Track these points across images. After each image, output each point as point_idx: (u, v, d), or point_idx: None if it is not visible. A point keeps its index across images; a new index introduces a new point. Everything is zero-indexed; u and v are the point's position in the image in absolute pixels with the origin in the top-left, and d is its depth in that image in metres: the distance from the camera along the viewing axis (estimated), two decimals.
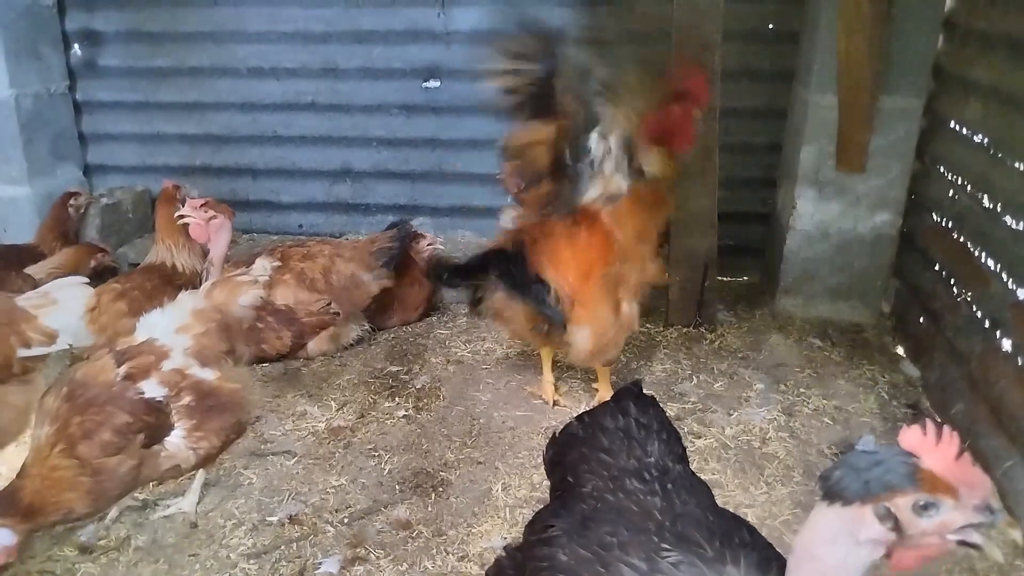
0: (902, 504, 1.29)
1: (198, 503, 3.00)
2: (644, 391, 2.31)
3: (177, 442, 2.63)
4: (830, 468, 1.38)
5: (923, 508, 1.29)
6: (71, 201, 4.81)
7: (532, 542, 1.86)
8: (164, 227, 4.04)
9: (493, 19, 4.99)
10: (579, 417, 2.28)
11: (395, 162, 5.42)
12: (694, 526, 1.72)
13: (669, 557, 1.62)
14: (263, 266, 3.15)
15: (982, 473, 1.32)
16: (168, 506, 3.00)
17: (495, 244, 3.56)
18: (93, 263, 4.45)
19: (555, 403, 3.72)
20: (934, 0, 3.99)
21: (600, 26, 4.93)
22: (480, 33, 5.03)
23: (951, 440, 1.30)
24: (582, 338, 3.36)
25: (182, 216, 3.77)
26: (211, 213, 3.72)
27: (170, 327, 2.74)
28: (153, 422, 2.56)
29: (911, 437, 1.32)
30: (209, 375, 2.72)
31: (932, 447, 1.30)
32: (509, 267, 3.38)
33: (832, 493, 1.34)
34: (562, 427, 2.30)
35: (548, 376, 3.75)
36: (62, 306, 2.95)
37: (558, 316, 3.34)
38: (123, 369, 2.57)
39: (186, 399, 2.64)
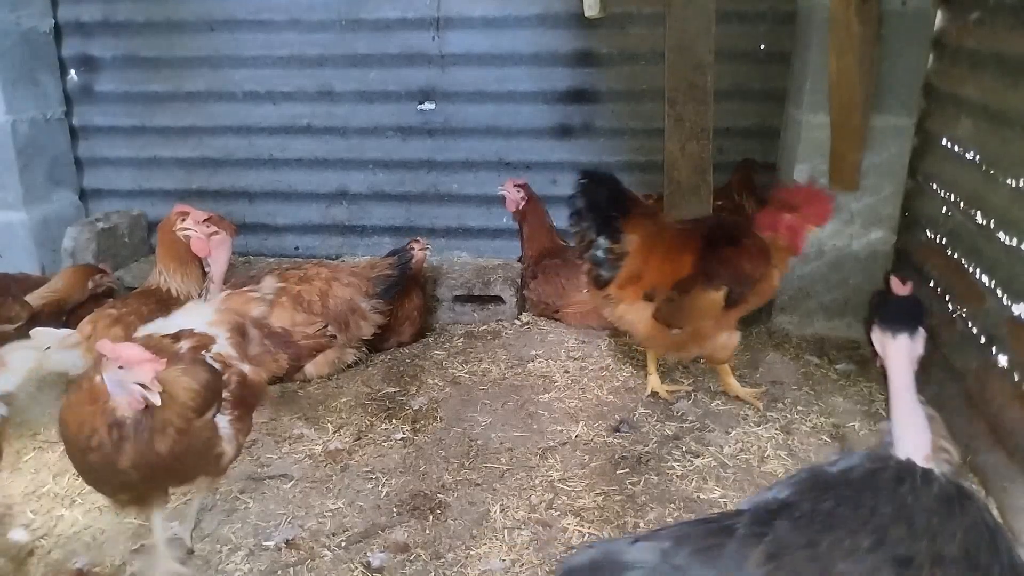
0: None
1: (193, 528, 2.98)
2: None
3: (226, 426, 2.62)
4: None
5: None
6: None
7: None
8: (165, 251, 4.00)
9: (487, 42, 5.04)
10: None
11: (391, 184, 5.45)
12: None
13: None
14: (271, 285, 3.16)
15: None
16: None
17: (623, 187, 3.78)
18: (91, 284, 4.38)
19: (655, 394, 3.87)
20: (923, 20, 4.04)
21: (593, 48, 4.98)
22: (474, 56, 5.08)
23: None
24: (625, 314, 3.63)
25: (185, 228, 3.77)
26: (213, 228, 3.71)
27: (200, 324, 2.76)
28: (220, 391, 2.56)
29: None
30: (246, 367, 2.76)
31: None
32: (606, 196, 3.62)
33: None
34: None
35: (652, 368, 3.90)
36: (11, 368, 2.95)
37: (605, 264, 3.58)
38: (185, 343, 2.58)
39: (232, 383, 2.65)
